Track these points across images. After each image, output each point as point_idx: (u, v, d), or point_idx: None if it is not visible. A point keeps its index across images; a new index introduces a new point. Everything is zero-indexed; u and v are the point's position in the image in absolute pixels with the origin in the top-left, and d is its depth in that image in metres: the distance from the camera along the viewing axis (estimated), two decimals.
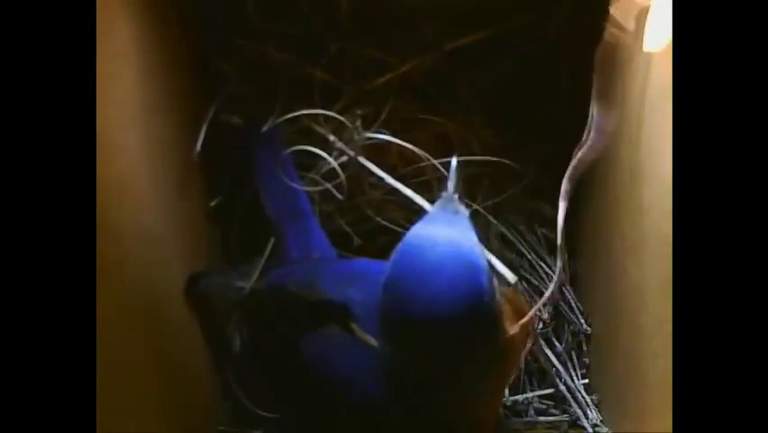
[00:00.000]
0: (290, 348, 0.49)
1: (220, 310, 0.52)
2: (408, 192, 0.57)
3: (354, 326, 0.45)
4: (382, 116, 0.58)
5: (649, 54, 0.45)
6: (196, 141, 0.56)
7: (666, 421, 0.34)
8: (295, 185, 0.56)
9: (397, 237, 0.59)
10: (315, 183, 0.58)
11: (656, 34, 0.44)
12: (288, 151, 0.57)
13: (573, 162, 0.49)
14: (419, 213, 0.59)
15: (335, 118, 0.57)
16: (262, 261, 0.54)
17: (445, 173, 0.56)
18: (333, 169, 0.57)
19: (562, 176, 0.63)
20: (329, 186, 0.56)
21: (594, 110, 0.47)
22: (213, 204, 0.59)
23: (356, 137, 0.56)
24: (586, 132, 0.48)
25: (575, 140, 0.62)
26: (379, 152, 0.58)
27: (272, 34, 0.59)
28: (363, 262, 0.54)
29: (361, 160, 0.57)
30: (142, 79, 0.45)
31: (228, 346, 0.54)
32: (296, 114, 0.56)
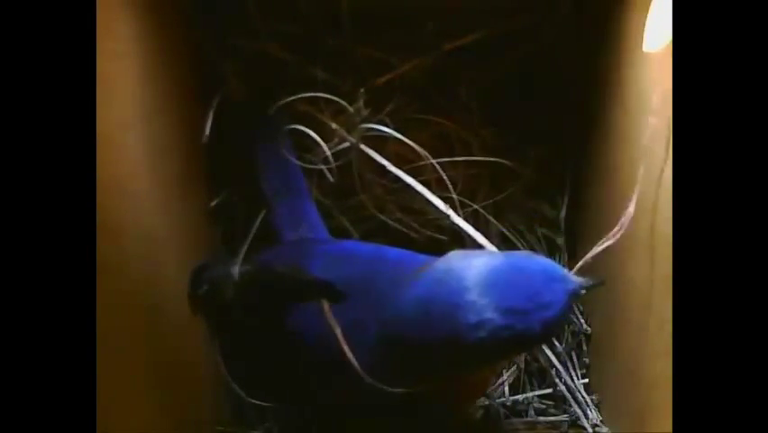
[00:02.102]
0: (279, 327, 0.49)
1: (226, 300, 0.52)
2: (411, 180, 0.56)
3: (326, 308, 0.46)
4: (382, 116, 0.58)
5: (649, 55, 0.45)
6: (196, 140, 0.56)
7: (666, 421, 0.34)
8: (293, 164, 0.56)
9: (398, 236, 0.60)
10: (315, 169, 0.57)
11: (656, 34, 0.44)
12: (288, 128, 0.57)
13: (596, 251, 0.46)
14: (419, 213, 0.59)
15: (338, 113, 0.57)
16: (247, 243, 0.53)
17: (449, 184, 0.56)
18: (335, 157, 0.56)
19: (563, 176, 0.64)
20: (323, 167, 0.56)
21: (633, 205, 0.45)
22: (213, 204, 0.59)
23: (357, 119, 0.55)
24: (620, 225, 0.45)
25: (575, 140, 0.62)
26: (377, 152, 0.58)
27: (272, 34, 0.59)
28: (351, 244, 0.55)
29: (363, 147, 0.56)
30: (142, 79, 0.45)
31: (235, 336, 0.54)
32: (296, 97, 0.56)
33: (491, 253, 0.42)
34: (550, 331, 0.39)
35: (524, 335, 0.37)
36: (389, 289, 0.44)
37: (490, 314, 0.37)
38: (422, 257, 0.47)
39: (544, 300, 0.38)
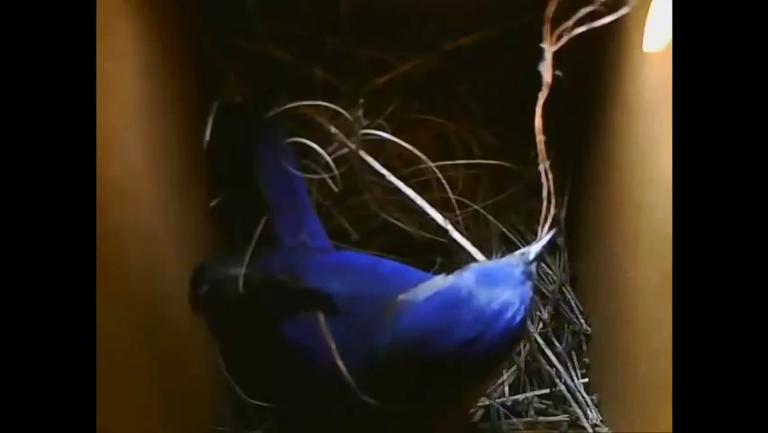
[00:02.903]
0: (277, 334, 0.50)
1: (227, 300, 0.52)
2: (409, 191, 0.57)
3: (321, 322, 0.46)
4: (382, 116, 0.58)
5: (649, 54, 0.45)
6: (196, 140, 0.56)
7: (666, 421, 0.34)
8: (293, 170, 0.56)
9: (397, 237, 0.61)
10: (315, 173, 0.57)
11: (656, 34, 0.44)
12: (288, 140, 0.57)
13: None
14: (419, 213, 0.59)
15: (338, 115, 0.57)
16: (250, 249, 0.54)
17: (448, 187, 0.57)
18: (335, 162, 0.56)
19: (563, 175, 0.64)
20: (325, 176, 0.56)
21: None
22: (213, 204, 0.59)
23: (357, 127, 0.55)
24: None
25: (575, 140, 0.62)
26: (377, 152, 0.58)
27: (272, 34, 0.59)
28: (349, 255, 0.55)
29: (362, 153, 0.57)
30: (143, 79, 0.45)
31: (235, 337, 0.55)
32: (297, 104, 0.56)
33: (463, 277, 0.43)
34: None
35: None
36: (380, 313, 0.44)
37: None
38: (414, 272, 0.48)
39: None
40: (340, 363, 0.44)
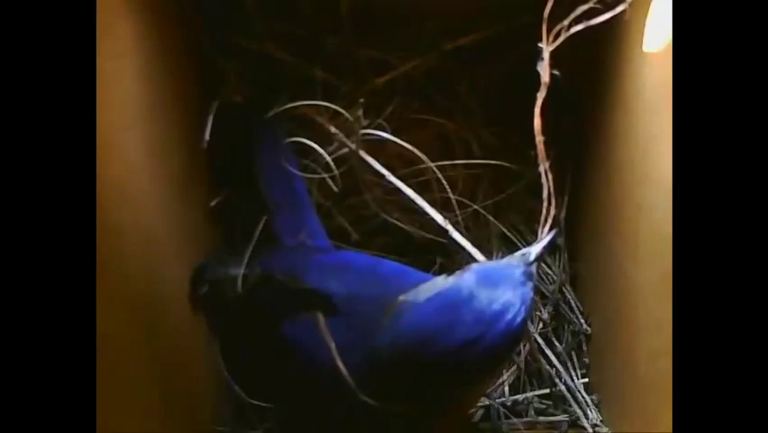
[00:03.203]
0: (277, 334, 0.50)
1: (227, 300, 0.53)
2: (409, 191, 0.57)
3: (321, 322, 0.46)
4: (382, 116, 0.58)
5: (649, 54, 0.45)
6: (196, 140, 0.56)
7: (666, 421, 0.34)
8: (293, 170, 0.56)
9: (397, 237, 0.61)
10: (315, 173, 0.57)
11: (656, 34, 0.44)
12: (288, 140, 0.57)
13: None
14: (419, 213, 0.59)
15: (338, 114, 0.57)
16: (250, 248, 0.54)
17: (448, 187, 0.57)
18: (335, 162, 0.56)
19: (563, 176, 0.64)
20: (325, 176, 0.56)
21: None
22: (213, 204, 0.59)
23: (357, 127, 0.55)
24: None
25: (575, 140, 0.62)
26: (377, 152, 0.58)
27: (272, 34, 0.59)
28: (349, 255, 0.55)
29: (362, 153, 0.57)
30: (143, 79, 0.45)
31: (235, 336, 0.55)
32: (297, 104, 0.56)
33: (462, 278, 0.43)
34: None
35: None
36: (380, 313, 0.44)
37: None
38: (414, 273, 0.49)
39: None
40: (339, 364, 0.45)
